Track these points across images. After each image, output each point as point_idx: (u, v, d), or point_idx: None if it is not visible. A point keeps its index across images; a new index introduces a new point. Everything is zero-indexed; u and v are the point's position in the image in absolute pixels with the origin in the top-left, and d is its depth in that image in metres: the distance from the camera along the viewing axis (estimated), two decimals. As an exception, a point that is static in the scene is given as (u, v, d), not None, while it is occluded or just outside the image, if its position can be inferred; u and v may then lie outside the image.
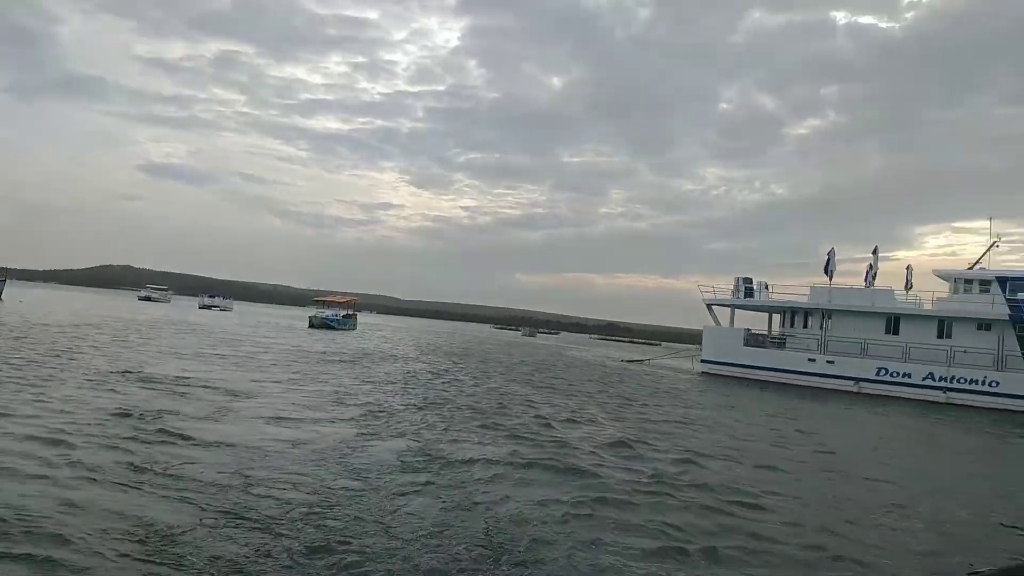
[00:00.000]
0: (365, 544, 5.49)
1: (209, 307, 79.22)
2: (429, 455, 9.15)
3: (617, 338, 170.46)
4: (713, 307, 38.87)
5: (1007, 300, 31.12)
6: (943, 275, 34.75)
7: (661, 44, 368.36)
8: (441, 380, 21.04)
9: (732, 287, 38.59)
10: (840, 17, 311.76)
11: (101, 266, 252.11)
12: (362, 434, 10.33)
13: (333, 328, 50.43)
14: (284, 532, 5.63)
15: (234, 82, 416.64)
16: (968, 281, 33.13)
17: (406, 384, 18.88)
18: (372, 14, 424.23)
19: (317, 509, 6.31)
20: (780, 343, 37.06)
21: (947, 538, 7.29)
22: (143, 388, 12.91)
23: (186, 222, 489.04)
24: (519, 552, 5.62)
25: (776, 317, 39.17)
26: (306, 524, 5.87)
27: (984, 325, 31.37)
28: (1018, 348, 30.43)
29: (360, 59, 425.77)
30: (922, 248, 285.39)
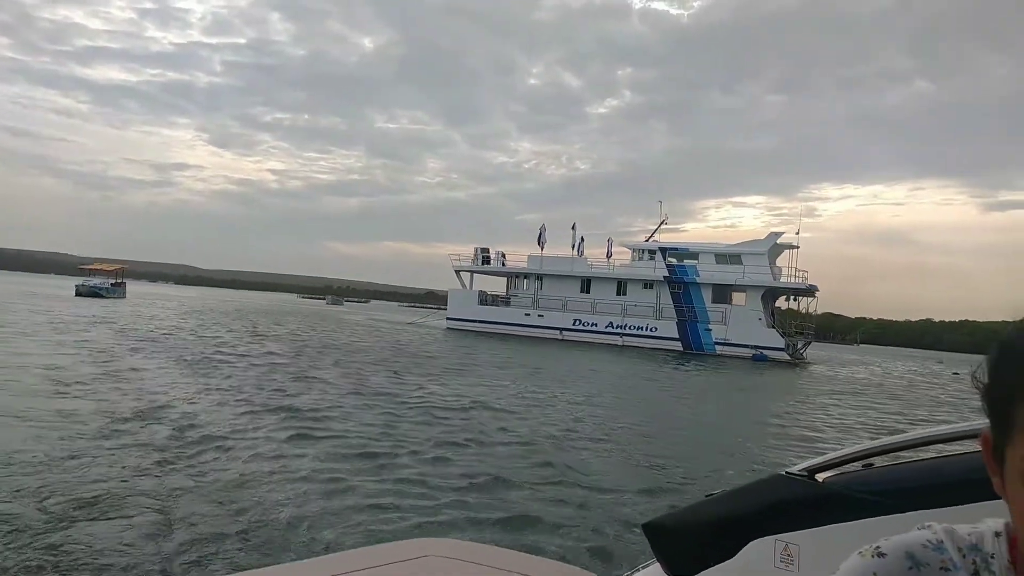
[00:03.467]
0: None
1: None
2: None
3: (432, 306, 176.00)
4: (460, 273, 45.46)
5: (666, 265, 40.43)
6: (628, 246, 43.77)
7: (468, 12, 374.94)
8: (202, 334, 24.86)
9: (472, 256, 45.34)
10: (636, 1, 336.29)
11: None
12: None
13: (102, 296, 51.01)
14: None
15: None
16: (641, 251, 42.25)
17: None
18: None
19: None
20: (507, 301, 44.43)
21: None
22: None
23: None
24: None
25: (510, 281, 46.60)
26: None
27: (648, 284, 40.54)
28: (671, 301, 39.82)
29: (148, 5, 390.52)
30: (706, 220, 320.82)
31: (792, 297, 40.88)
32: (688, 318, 39.02)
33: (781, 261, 40.50)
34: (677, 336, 38.94)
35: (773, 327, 37.69)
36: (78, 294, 50.80)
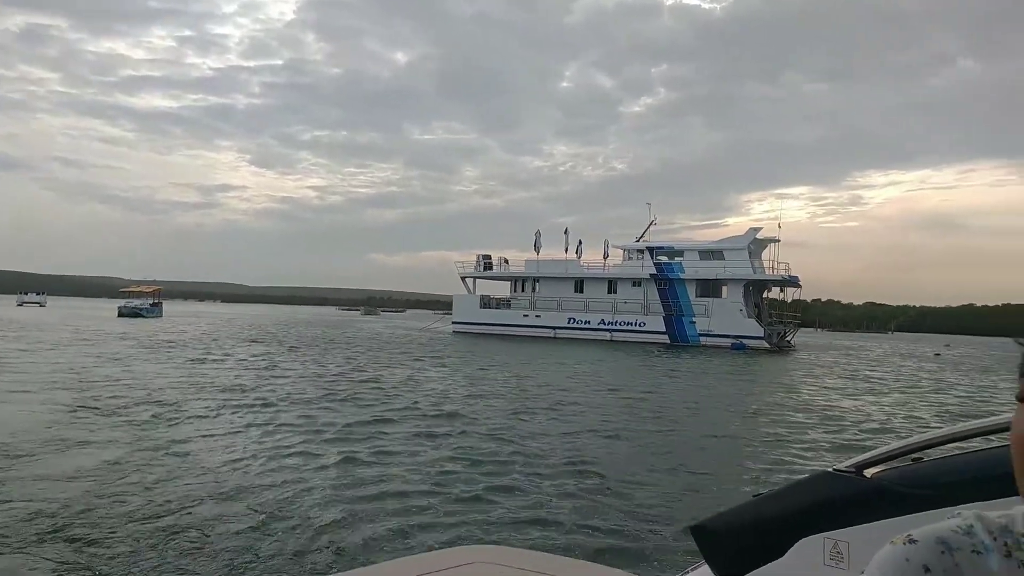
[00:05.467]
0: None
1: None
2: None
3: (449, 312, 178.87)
4: (465, 279, 48.51)
5: (654, 264, 42.80)
6: (619, 247, 46.20)
7: (502, 22, 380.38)
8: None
9: (474, 262, 48.36)
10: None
11: None
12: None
13: (143, 316, 55.57)
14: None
15: (45, 58, 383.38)
16: (631, 251, 44.68)
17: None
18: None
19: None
20: (508, 304, 47.30)
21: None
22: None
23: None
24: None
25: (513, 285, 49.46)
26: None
27: (636, 282, 42.96)
28: (658, 298, 42.17)
29: (187, 32, 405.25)
30: (749, 214, 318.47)
31: (780, 289, 42.83)
32: (674, 312, 41.33)
33: (767, 255, 42.61)
34: (664, 330, 41.26)
35: (753, 318, 39.66)
36: (120, 315, 55.45)
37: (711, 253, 41.54)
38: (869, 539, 1.41)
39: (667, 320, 41.45)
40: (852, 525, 1.45)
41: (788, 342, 42.75)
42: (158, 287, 66.58)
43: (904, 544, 0.63)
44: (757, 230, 41.62)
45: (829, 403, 15.92)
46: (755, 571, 1.55)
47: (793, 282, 41.65)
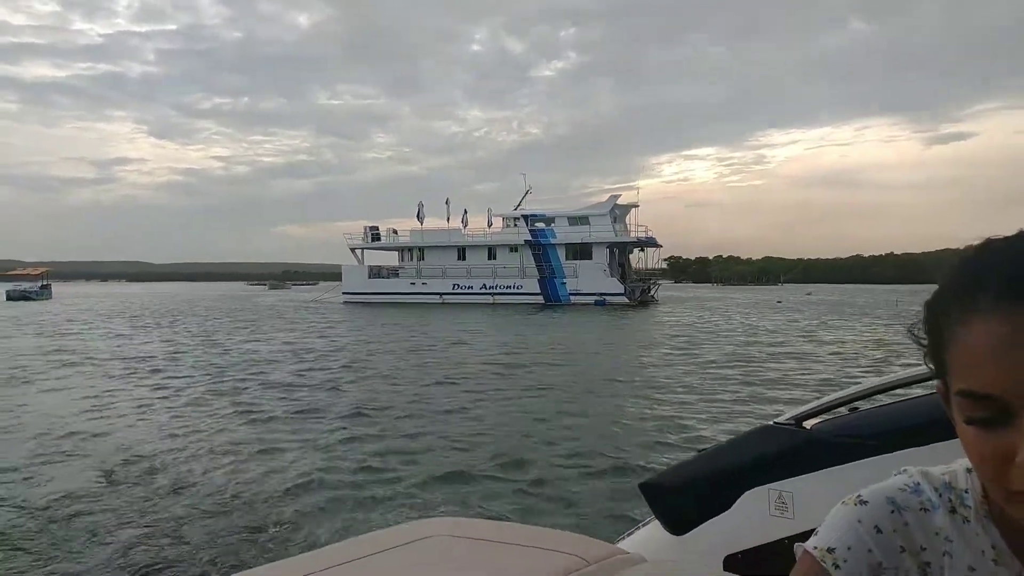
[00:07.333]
0: None
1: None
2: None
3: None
4: (354, 250, 50.66)
5: (529, 230, 46.19)
6: (500, 215, 49.34)
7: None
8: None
9: (362, 234, 50.57)
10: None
11: None
12: None
13: (33, 299, 55.19)
14: None
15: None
16: (509, 218, 47.94)
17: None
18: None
19: None
20: (395, 273, 49.88)
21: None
22: None
23: None
24: None
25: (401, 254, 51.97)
26: None
27: (513, 248, 46.32)
28: (533, 261, 45.67)
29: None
30: (660, 176, 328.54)
31: (640, 248, 47.19)
32: (547, 274, 45.00)
33: (631, 220, 46.81)
34: (539, 291, 44.92)
35: (615, 277, 43.77)
36: (9, 298, 54.88)
37: (578, 219, 45.27)
38: (811, 489, 1.47)
39: (541, 282, 45.08)
40: (794, 476, 1.51)
41: (652, 296, 47.30)
42: (46, 268, 65.55)
43: (855, 505, 0.67)
44: (617, 197, 45.62)
45: (607, 345, 19.60)
46: (704, 524, 1.61)
47: (651, 242, 46.03)
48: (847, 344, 19.44)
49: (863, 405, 1.57)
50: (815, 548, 0.66)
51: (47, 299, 56.07)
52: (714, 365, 14.66)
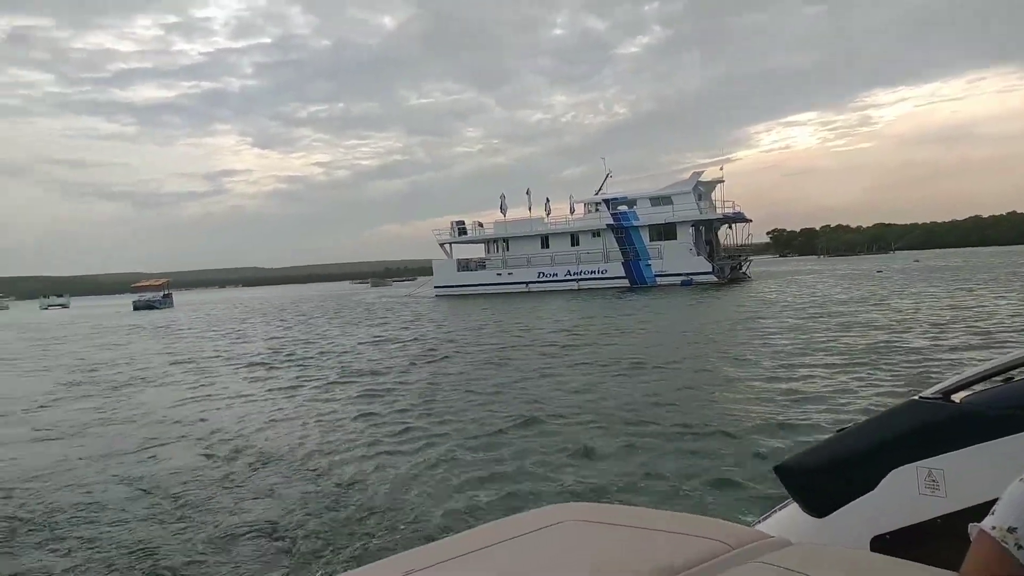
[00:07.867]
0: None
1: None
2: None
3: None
4: (443, 245, 52.21)
5: (611, 214, 46.07)
6: (581, 200, 49.41)
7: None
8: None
9: (449, 229, 51.96)
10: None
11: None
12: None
13: (156, 308, 60.41)
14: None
15: (35, 60, 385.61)
16: (590, 204, 47.95)
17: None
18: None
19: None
20: (482, 265, 50.97)
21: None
22: None
23: (4, 219, 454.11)
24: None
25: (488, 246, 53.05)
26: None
27: (596, 233, 46.33)
28: (616, 245, 45.54)
29: (171, 19, 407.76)
30: (758, 146, 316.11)
31: (729, 225, 46.02)
32: (631, 257, 44.75)
33: (717, 195, 45.81)
34: (623, 274, 44.77)
35: (703, 255, 42.96)
36: (136, 308, 60.29)
37: (661, 200, 44.68)
38: (965, 465, 1.39)
39: (625, 265, 44.89)
40: (945, 452, 1.42)
41: (744, 273, 46.12)
42: (166, 279, 71.28)
43: None
44: (700, 174, 44.66)
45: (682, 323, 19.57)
46: (847, 505, 1.55)
47: (740, 218, 44.80)
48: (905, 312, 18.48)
49: (1017, 376, 1.48)
50: (994, 528, 0.61)
51: (169, 307, 61.11)
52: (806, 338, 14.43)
